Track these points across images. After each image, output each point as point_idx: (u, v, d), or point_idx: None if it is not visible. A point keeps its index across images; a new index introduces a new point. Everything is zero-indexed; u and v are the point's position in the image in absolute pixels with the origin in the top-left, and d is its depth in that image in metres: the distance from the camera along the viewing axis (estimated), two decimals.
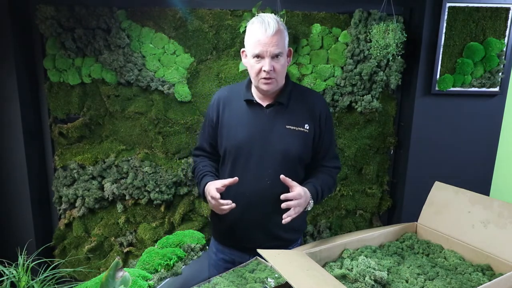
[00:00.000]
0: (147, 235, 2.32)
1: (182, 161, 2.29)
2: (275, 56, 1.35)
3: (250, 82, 1.50)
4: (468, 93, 2.16)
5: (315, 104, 1.49)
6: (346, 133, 2.33)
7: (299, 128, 1.45)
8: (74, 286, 1.07)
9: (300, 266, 1.05)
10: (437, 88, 2.14)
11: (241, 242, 1.52)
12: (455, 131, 2.24)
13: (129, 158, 2.29)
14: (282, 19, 2.06)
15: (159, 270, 1.15)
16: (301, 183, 1.43)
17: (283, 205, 1.30)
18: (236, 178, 1.35)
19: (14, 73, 2.05)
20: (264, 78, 1.36)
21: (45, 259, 1.21)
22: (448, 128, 2.24)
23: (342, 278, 1.13)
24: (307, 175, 1.53)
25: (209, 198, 1.37)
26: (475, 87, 2.14)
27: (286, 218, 1.30)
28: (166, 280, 1.15)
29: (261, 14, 1.39)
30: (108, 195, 2.26)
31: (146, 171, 2.26)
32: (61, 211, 2.33)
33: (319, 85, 2.23)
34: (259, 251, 1.11)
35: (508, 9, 2.05)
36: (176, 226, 2.34)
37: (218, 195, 1.32)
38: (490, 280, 1.12)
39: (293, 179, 1.35)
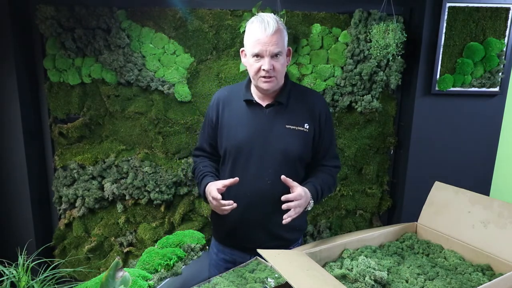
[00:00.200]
0: (147, 235, 2.32)
1: (182, 161, 2.29)
2: (274, 55, 1.35)
3: (249, 82, 1.50)
4: (468, 93, 2.16)
5: (315, 103, 1.49)
6: (346, 133, 2.33)
7: (299, 128, 1.45)
8: (74, 286, 1.07)
9: (300, 266, 1.05)
10: (437, 88, 2.14)
11: (242, 242, 1.52)
12: (455, 131, 2.24)
13: (129, 158, 2.29)
14: (282, 19, 2.06)
15: (159, 270, 1.15)
16: (301, 182, 1.44)
17: (284, 206, 1.30)
18: (236, 179, 1.35)
19: (14, 73, 2.05)
20: (264, 77, 1.36)
21: (45, 259, 1.21)
22: (448, 128, 2.23)
23: (342, 278, 1.13)
24: (307, 175, 1.53)
25: (210, 198, 1.37)
26: (475, 87, 2.14)
27: (287, 219, 1.31)
28: (166, 280, 1.15)
29: (261, 14, 1.39)
30: (108, 195, 2.26)
31: (146, 171, 2.26)
32: (61, 211, 2.33)
33: (319, 85, 2.23)
34: (259, 251, 1.11)
35: (508, 9, 2.05)
36: (176, 226, 2.34)
37: (219, 196, 1.32)
38: (490, 280, 1.12)
39: (293, 179, 1.35)
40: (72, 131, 2.23)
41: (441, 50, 2.09)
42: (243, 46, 1.44)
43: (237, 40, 2.18)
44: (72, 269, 1.22)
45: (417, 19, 2.15)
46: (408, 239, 1.44)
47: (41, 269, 1.06)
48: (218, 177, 1.52)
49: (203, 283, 1.16)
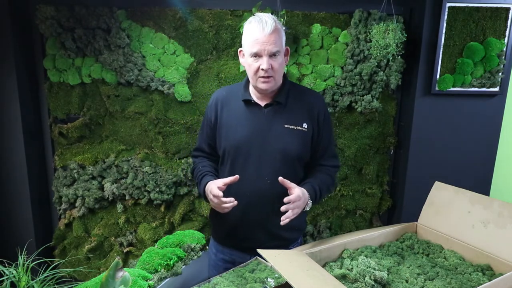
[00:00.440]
0: (147, 235, 2.32)
1: (182, 161, 2.29)
2: (273, 55, 1.35)
3: (248, 82, 1.50)
4: (468, 93, 2.16)
5: (313, 103, 1.49)
6: (346, 133, 2.33)
7: (297, 127, 1.45)
8: (74, 286, 1.07)
9: (300, 266, 1.05)
10: (437, 88, 2.14)
11: (242, 242, 1.52)
12: (455, 131, 2.24)
13: (129, 158, 2.29)
14: (282, 19, 2.06)
15: (159, 270, 1.15)
16: (300, 182, 1.44)
17: (282, 208, 1.31)
18: (237, 176, 1.35)
19: (14, 73, 2.05)
20: (262, 77, 1.37)
21: (45, 259, 1.21)
22: (448, 128, 2.23)
23: (342, 278, 1.13)
24: (306, 174, 1.53)
25: (211, 197, 1.37)
26: (475, 87, 2.14)
27: (285, 220, 1.31)
28: (166, 280, 1.15)
29: (258, 14, 1.39)
30: (108, 195, 2.26)
31: (146, 171, 2.26)
32: (61, 211, 2.33)
33: (319, 85, 2.23)
34: (259, 251, 1.11)
35: (508, 9, 2.05)
36: (176, 226, 2.34)
37: (221, 193, 1.31)
38: (490, 280, 1.12)
39: (292, 179, 1.36)
40: (72, 131, 2.23)
41: (441, 50, 2.09)
42: (241, 46, 1.44)
43: (237, 40, 2.18)
44: (72, 269, 1.22)
45: (417, 19, 2.15)
46: (408, 239, 1.44)
47: (41, 269, 1.06)
48: (218, 177, 1.52)
49: (203, 283, 1.16)
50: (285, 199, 1.31)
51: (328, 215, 2.44)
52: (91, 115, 2.22)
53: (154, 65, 2.17)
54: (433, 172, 2.24)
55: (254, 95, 1.47)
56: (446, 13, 2.04)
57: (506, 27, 2.07)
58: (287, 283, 1.06)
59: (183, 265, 1.22)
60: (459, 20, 2.05)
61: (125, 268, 0.92)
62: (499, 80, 2.13)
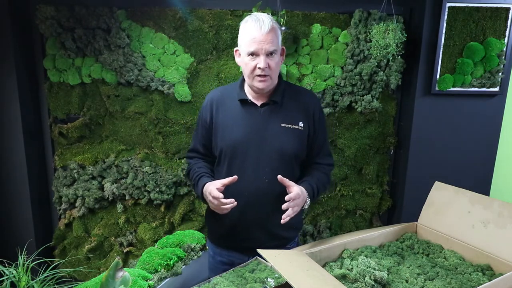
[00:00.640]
0: (147, 235, 2.32)
1: (182, 161, 2.29)
2: (269, 54, 1.36)
3: (243, 82, 1.50)
4: (468, 93, 2.16)
5: (309, 102, 1.51)
6: (346, 133, 2.33)
7: (294, 126, 1.46)
8: (74, 286, 1.07)
9: (300, 266, 1.05)
10: (437, 88, 2.14)
11: (240, 242, 1.52)
12: (455, 131, 2.24)
13: (129, 158, 2.29)
14: (282, 19, 2.06)
15: (159, 270, 1.15)
16: (297, 180, 1.45)
17: (284, 206, 1.31)
18: (235, 177, 1.35)
19: (14, 73, 2.05)
20: (259, 76, 1.37)
21: (45, 259, 1.21)
22: (448, 128, 2.23)
23: (342, 278, 1.13)
24: (302, 173, 1.55)
25: (210, 198, 1.36)
26: (475, 87, 2.14)
27: (286, 218, 1.31)
28: (166, 280, 1.15)
29: (254, 13, 1.39)
30: (108, 195, 2.26)
31: (146, 171, 2.26)
32: (61, 211, 2.33)
33: (319, 85, 2.23)
34: (259, 251, 1.11)
35: (508, 9, 2.05)
36: (176, 226, 2.34)
37: (221, 195, 1.31)
38: (490, 280, 1.12)
39: (289, 177, 1.37)
40: (72, 131, 2.23)
41: (441, 50, 2.09)
42: (237, 46, 1.45)
43: (237, 40, 2.18)
44: (72, 269, 1.22)
45: (417, 19, 2.15)
46: (408, 239, 1.44)
47: (41, 269, 1.05)
48: (214, 178, 1.52)
49: (203, 283, 1.16)
50: (286, 197, 1.31)
51: (328, 215, 2.44)
52: (91, 115, 2.22)
53: (154, 65, 2.17)
54: (433, 172, 2.24)
55: (249, 95, 1.48)
56: (446, 13, 2.04)
57: (506, 27, 2.07)
58: (287, 283, 1.06)
59: (183, 265, 1.22)
60: (459, 20, 2.05)
61: (125, 268, 0.92)
62: (499, 80, 2.13)
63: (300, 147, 1.47)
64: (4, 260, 1.10)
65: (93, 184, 2.27)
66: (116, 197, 2.30)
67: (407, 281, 1.15)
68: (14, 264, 1.02)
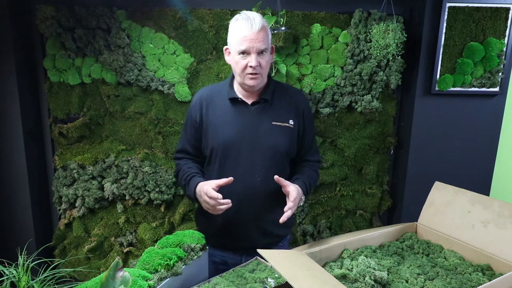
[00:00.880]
0: (147, 235, 2.32)
1: None
2: (260, 52, 1.36)
3: (232, 80, 1.50)
4: (468, 93, 2.16)
5: (298, 100, 1.53)
6: (346, 133, 2.33)
7: (284, 124, 1.47)
8: (74, 286, 1.07)
9: (300, 266, 1.05)
10: (437, 88, 2.14)
11: (234, 241, 1.52)
12: (455, 131, 2.24)
13: (129, 158, 2.29)
14: (282, 19, 2.06)
15: (159, 270, 1.15)
16: (288, 178, 1.47)
17: (286, 208, 1.33)
18: (231, 178, 1.35)
19: (14, 73, 2.05)
20: (250, 74, 1.37)
21: (45, 259, 1.21)
22: (448, 128, 2.23)
23: (342, 278, 1.13)
24: (292, 170, 1.57)
25: (205, 198, 1.35)
26: (475, 87, 2.14)
27: (285, 218, 1.33)
28: (166, 280, 1.14)
29: (244, 12, 1.39)
30: (108, 195, 2.26)
31: (146, 171, 2.26)
32: (61, 211, 2.33)
33: (319, 85, 2.23)
34: (259, 251, 1.11)
35: (508, 9, 2.05)
36: (176, 226, 2.34)
37: (220, 195, 1.31)
38: (490, 280, 1.12)
39: (281, 175, 1.38)
40: (72, 131, 2.23)
41: (441, 50, 2.09)
42: (227, 44, 1.45)
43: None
44: (72, 269, 1.22)
45: (417, 19, 2.15)
46: (408, 239, 1.44)
47: (41, 269, 1.06)
48: (205, 178, 1.52)
49: (203, 283, 1.16)
50: (290, 199, 1.33)
51: (328, 215, 2.44)
52: (91, 115, 2.22)
53: (154, 65, 2.17)
54: (433, 172, 2.24)
55: (240, 93, 1.48)
56: (446, 13, 2.04)
57: (506, 27, 2.07)
58: (287, 283, 1.06)
59: (183, 265, 1.22)
60: (459, 20, 2.05)
61: (125, 268, 0.92)
62: (499, 80, 2.13)
63: (291, 145, 1.49)
64: (4, 260, 1.10)
65: (93, 184, 2.27)
66: (116, 197, 2.30)
67: (407, 281, 1.15)
68: (14, 264, 1.02)
